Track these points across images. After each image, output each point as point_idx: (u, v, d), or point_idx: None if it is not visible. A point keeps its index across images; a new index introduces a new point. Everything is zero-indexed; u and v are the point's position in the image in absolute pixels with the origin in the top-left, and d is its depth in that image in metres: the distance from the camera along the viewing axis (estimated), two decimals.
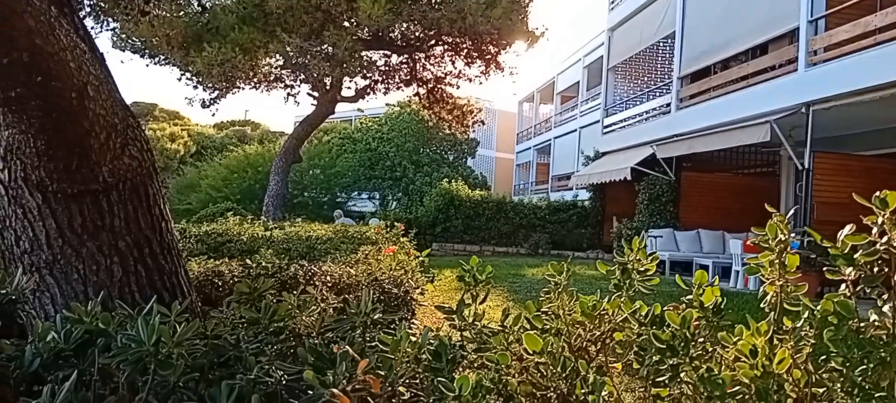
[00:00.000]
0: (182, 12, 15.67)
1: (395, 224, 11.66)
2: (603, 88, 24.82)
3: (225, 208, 20.13)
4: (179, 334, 1.88)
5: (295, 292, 3.06)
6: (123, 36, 16.02)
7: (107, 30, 14.24)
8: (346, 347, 1.81)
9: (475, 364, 2.18)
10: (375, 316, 2.49)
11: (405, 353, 1.93)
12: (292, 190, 27.25)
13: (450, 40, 19.31)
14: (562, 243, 23.15)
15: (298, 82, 21.78)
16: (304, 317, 2.59)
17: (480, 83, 20.25)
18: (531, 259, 19.98)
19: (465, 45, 19.29)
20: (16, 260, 3.97)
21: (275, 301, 2.74)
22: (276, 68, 21.04)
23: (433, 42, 19.98)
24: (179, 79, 18.73)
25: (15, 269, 4.00)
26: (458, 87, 21.73)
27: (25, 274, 3.70)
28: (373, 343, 2.43)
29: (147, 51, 17.66)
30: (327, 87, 21.82)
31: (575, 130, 31.54)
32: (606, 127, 23.75)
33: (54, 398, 1.69)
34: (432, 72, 21.89)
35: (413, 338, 1.96)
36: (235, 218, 11.24)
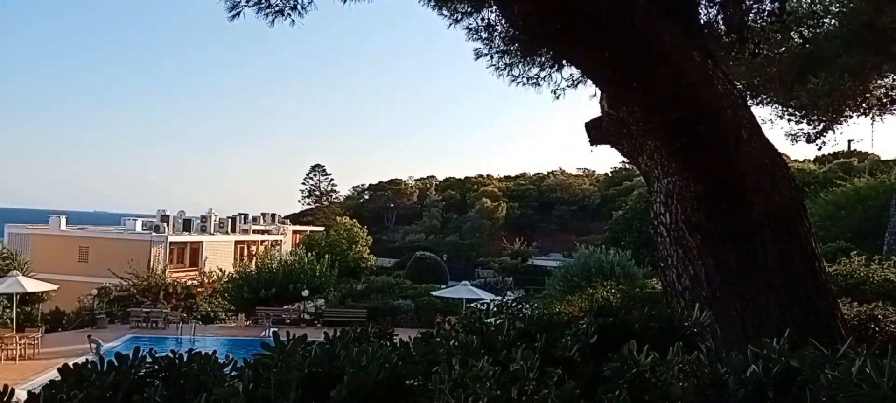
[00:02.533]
0: (783, 48, 15.30)
1: None
2: None
3: (838, 247, 18.54)
4: None
5: None
6: None
7: None
8: None
9: None
10: None
11: None
12: None
13: None
14: None
15: None
16: None
17: None
18: None
19: None
20: (677, 296, 4.35)
21: None
22: (892, 89, 18.57)
23: None
24: (781, 116, 18.26)
25: (677, 304, 4.40)
26: None
27: (686, 309, 4.00)
28: None
29: (747, 92, 17.86)
30: None
31: None
32: None
33: None
34: None
35: None
36: (860, 259, 10.17)
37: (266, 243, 57.20)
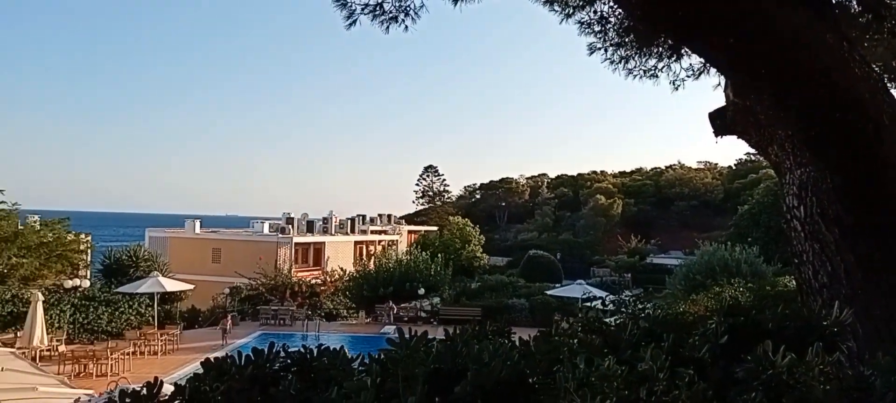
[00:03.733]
0: None
1: None
2: None
3: None
4: None
5: None
6: None
7: None
8: None
9: None
10: None
11: None
12: None
13: None
14: None
15: None
16: None
17: None
18: None
19: None
20: (814, 294, 4.09)
21: None
22: None
23: None
24: None
25: (813, 302, 4.14)
26: None
27: (824, 307, 3.75)
28: None
29: (887, 75, 16.54)
30: None
31: None
32: None
33: None
34: None
35: None
36: None
37: (383, 243, 58.77)
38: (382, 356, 2.90)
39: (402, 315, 31.89)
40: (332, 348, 3.62)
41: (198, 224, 50.50)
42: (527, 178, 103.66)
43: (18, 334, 21.25)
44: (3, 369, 12.83)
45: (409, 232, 70.01)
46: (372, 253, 53.87)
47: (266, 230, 49.69)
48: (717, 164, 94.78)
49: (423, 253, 40.00)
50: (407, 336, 3.08)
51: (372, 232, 61.74)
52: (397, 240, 61.99)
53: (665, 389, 1.98)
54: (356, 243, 56.44)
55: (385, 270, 36.01)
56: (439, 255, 39.28)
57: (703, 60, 8.50)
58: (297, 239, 48.10)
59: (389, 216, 72.83)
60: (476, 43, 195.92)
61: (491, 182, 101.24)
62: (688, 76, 9.20)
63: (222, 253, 46.39)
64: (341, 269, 41.26)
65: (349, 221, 57.64)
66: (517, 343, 3.49)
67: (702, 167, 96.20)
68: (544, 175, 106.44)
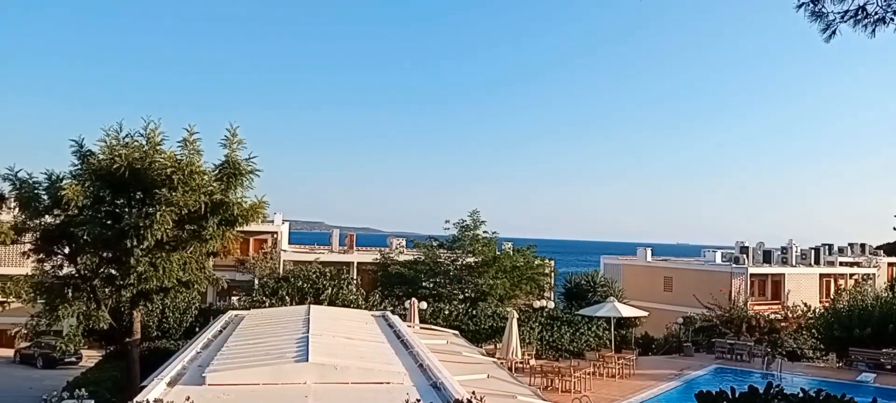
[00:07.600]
0: None
1: None
2: None
3: None
4: None
5: None
6: None
7: None
8: None
9: None
10: None
11: None
12: None
13: None
14: None
15: None
16: None
17: None
18: None
19: None
20: None
21: None
22: None
23: None
24: None
25: None
26: None
27: None
28: None
29: None
30: None
31: None
32: None
33: None
34: None
35: None
36: None
37: (856, 276, 51.34)
38: None
39: (883, 362, 27.22)
40: (832, 395, 3.29)
41: (649, 252, 51.37)
42: None
43: (498, 345, 24.43)
44: (488, 376, 14.91)
45: (890, 264, 59.69)
46: (842, 287, 47.46)
47: (718, 259, 47.94)
48: None
49: None
50: None
51: (841, 263, 54.43)
52: (874, 274, 53.45)
53: None
54: (822, 275, 50.41)
55: (860, 308, 31.28)
56: None
57: None
58: (752, 270, 45.22)
59: (863, 245, 63.27)
60: None
61: None
62: None
63: (673, 281, 46.27)
64: (805, 304, 37.29)
65: (812, 251, 51.80)
66: None
67: None
68: None
